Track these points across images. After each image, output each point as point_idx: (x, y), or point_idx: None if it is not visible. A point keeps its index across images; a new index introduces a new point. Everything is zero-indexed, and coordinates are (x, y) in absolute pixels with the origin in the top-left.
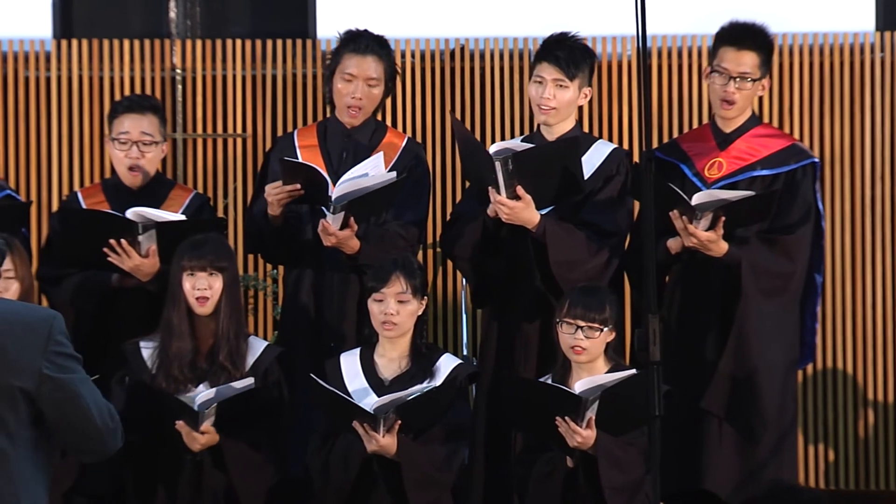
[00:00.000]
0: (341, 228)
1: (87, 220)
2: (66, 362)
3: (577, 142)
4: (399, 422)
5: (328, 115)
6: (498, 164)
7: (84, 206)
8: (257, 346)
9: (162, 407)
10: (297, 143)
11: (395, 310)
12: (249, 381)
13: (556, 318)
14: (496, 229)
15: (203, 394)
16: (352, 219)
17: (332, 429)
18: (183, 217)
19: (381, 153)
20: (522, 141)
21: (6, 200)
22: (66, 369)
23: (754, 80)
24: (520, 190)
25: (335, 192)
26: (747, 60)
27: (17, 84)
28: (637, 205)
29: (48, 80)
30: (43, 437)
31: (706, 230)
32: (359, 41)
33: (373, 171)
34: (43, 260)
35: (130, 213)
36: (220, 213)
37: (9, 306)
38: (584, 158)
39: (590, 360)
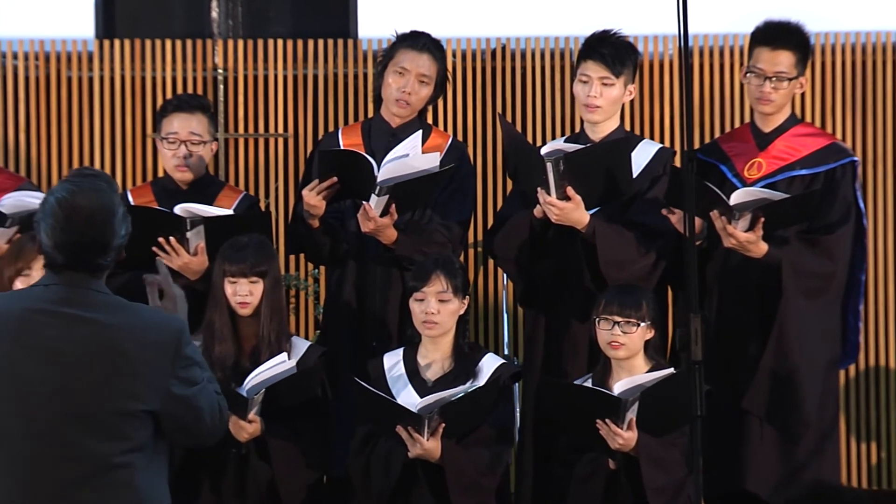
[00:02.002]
0: (382, 215)
1: (135, 217)
2: (191, 374)
3: (628, 143)
4: (443, 425)
5: (371, 115)
6: (549, 166)
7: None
8: (300, 346)
9: None
10: (341, 142)
11: (435, 309)
12: (291, 362)
13: (594, 315)
14: (543, 230)
15: (250, 379)
16: (393, 206)
17: (373, 430)
18: (230, 211)
19: (419, 132)
20: (566, 141)
21: None
22: (190, 383)
23: (790, 79)
24: (570, 191)
25: (380, 174)
26: (783, 60)
27: (59, 84)
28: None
29: (90, 80)
30: (162, 440)
31: (745, 231)
32: (416, 39)
33: (412, 151)
34: None
35: (178, 210)
36: None
37: (137, 321)
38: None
39: (628, 357)
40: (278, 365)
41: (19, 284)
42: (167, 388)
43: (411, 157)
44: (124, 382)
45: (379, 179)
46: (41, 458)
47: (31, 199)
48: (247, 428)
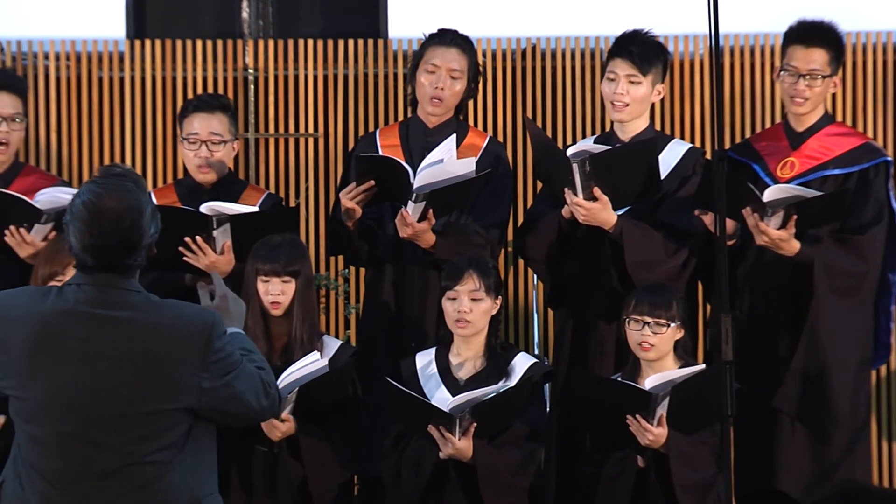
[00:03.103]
0: (419, 220)
1: (161, 217)
2: (223, 363)
3: (655, 143)
4: (475, 424)
5: (401, 114)
6: (575, 167)
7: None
8: (331, 346)
9: None
10: (379, 143)
11: (468, 307)
12: (323, 361)
13: (623, 315)
14: (571, 230)
15: (283, 378)
16: (430, 211)
17: (405, 430)
18: (256, 208)
19: (454, 136)
20: (596, 141)
21: None
22: (223, 372)
23: (824, 77)
24: (597, 191)
25: (416, 181)
26: (816, 58)
27: (90, 84)
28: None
29: (122, 80)
30: (203, 426)
31: (777, 228)
32: (444, 35)
33: (446, 156)
34: None
35: (204, 208)
36: None
37: (166, 318)
38: (659, 158)
39: (658, 358)
40: (311, 364)
41: None
42: (198, 384)
43: (446, 161)
44: (152, 382)
45: (415, 186)
46: (70, 457)
47: (66, 196)
48: (280, 427)
